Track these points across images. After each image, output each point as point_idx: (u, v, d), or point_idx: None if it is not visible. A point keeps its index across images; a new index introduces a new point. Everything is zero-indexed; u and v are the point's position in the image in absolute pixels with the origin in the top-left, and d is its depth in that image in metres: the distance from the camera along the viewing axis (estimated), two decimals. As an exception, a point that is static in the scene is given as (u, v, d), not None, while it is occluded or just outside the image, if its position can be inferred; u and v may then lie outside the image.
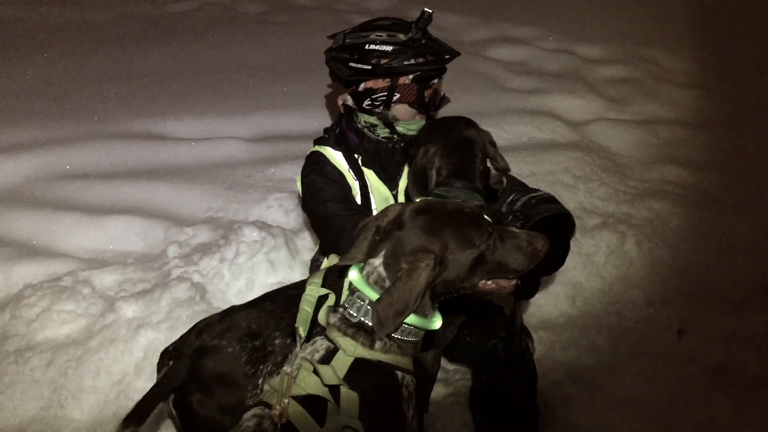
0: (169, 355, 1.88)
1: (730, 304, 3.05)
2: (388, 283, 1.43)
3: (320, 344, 1.49)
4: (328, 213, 2.23)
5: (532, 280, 1.95)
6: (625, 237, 3.29)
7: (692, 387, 2.63)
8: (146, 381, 2.46)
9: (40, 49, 5.40)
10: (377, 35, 2.26)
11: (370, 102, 2.29)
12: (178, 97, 4.59)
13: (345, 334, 1.45)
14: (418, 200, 1.79)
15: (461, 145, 2.08)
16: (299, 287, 1.92)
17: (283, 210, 3.37)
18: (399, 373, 1.47)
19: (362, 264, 1.50)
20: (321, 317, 1.60)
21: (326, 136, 2.43)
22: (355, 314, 1.45)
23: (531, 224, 2.03)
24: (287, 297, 1.95)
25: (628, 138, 4.21)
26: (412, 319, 1.43)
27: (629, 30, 6.08)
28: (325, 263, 2.29)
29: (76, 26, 6.17)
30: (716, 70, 5.29)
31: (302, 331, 1.62)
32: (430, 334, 1.56)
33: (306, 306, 1.75)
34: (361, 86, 2.30)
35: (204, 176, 3.62)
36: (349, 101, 2.38)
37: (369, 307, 1.42)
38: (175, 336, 2.46)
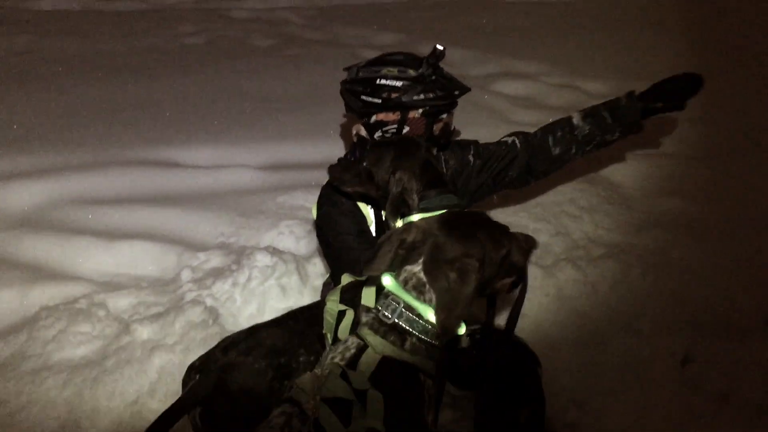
0: (195, 369, 1.93)
1: (734, 333, 3.08)
2: (428, 288, 1.53)
3: (352, 342, 1.58)
4: (342, 246, 2.30)
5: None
6: (629, 267, 3.33)
7: (698, 414, 2.65)
8: (160, 402, 2.50)
9: (55, 79, 5.55)
10: (389, 70, 2.35)
11: (381, 134, 2.39)
12: (191, 126, 4.70)
13: (376, 332, 1.55)
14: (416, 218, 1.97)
15: (416, 160, 2.14)
16: (320, 306, 2.00)
17: (294, 237, 3.44)
18: (422, 376, 1.55)
19: (393, 272, 1.60)
20: (342, 330, 1.68)
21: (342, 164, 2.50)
22: (389, 315, 1.55)
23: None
24: (310, 315, 2.02)
25: (632, 170, 4.27)
26: None
27: (631, 66, 6.17)
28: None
29: (90, 57, 6.34)
30: (716, 103, 5.37)
31: (329, 337, 1.70)
32: (454, 341, 1.65)
33: (329, 317, 1.85)
34: (373, 118, 2.39)
35: (216, 203, 3.70)
36: (363, 132, 2.46)
37: (404, 309, 1.53)
38: (190, 358, 2.52)
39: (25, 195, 3.65)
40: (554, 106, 5.32)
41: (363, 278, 1.71)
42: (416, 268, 1.57)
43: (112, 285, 3.11)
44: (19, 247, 3.29)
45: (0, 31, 6.80)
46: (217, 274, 3.08)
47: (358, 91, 2.38)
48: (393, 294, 1.57)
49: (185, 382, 1.97)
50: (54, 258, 3.25)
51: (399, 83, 2.32)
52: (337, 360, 1.54)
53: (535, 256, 3.36)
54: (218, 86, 5.65)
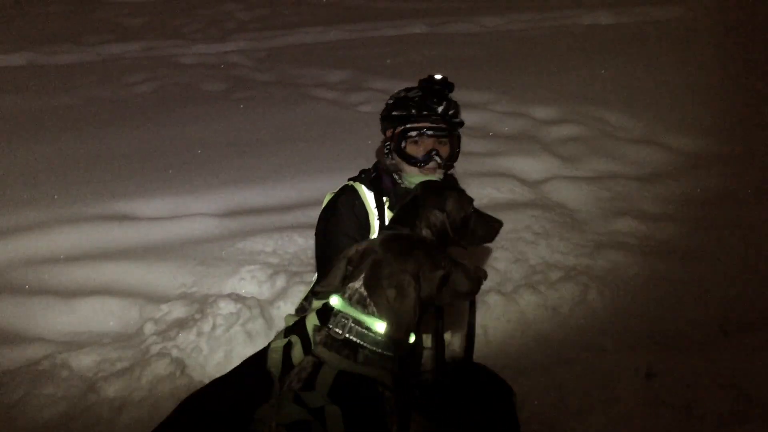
0: None
1: (693, 346, 3.18)
2: (369, 302, 1.65)
3: (307, 362, 1.65)
4: (335, 244, 2.39)
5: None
6: (587, 288, 3.43)
7: (664, 428, 2.72)
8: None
9: (6, 137, 5.47)
10: (396, 92, 2.58)
11: (385, 149, 2.57)
12: (146, 177, 4.68)
13: (330, 349, 1.63)
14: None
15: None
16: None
17: (256, 281, 3.44)
18: (380, 388, 1.61)
19: (340, 291, 1.71)
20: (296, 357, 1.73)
21: (362, 176, 2.61)
22: (340, 332, 1.63)
23: None
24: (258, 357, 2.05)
25: (583, 194, 4.40)
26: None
27: (577, 91, 6.41)
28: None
29: (38, 113, 6.27)
30: (658, 124, 5.59)
31: (275, 373, 1.74)
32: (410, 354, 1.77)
33: (274, 354, 1.93)
34: (385, 134, 2.61)
35: (175, 253, 3.68)
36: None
37: (352, 324, 1.63)
38: (160, 413, 2.51)
39: (-22, 258, 3.58)
40: (505, 134, 5.47)
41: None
42: (357, 284, 1.68)
43: (74, 344, 3.06)
44: (-25, 311, 3.22)
45: (-57, 91, 6.68)
46: (181, 324, 3.06)
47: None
48: (341, 312, 1.67)
49: None
50: (12, 320, 3.18)
51: (391, 101, 2.53)
52: (293, 384, 1.59)
53: (495, 284, 3.43)
54: (171, 134, 5.65)
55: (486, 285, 3.32)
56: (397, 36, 9.42)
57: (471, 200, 2.38)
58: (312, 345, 1.70)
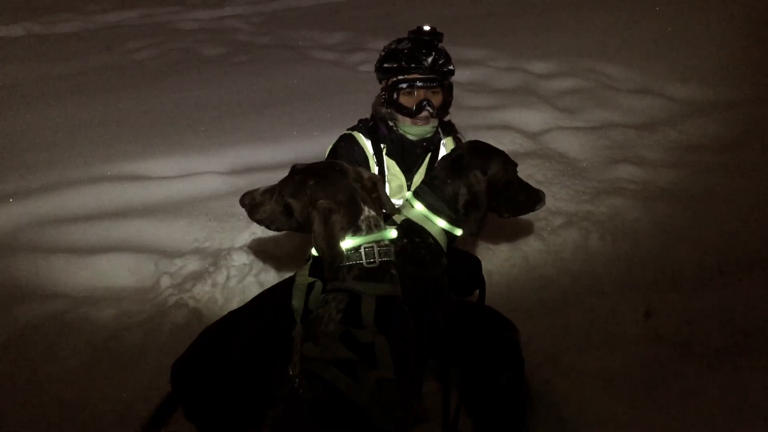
0: (177, 366, 2.05)
1: (691, 286, 3.27)
2: (379, 219, 1.89)
3: (334, 298, 1.74)
4: None
5: (472, 281, 2.45)
6: (588, 233, 3.52)
7: (663, 362, 2.82)
8: (154, 405, 2.59)
9: (8, 105, 5.53)
10: (388, 44, 2.63)
11: (381, 100, 2.63)
12: (153, 139, 4.76)
13: (364, 279, 1.74)
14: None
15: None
16: (287, 282, 2.14)
17: (268, 235, 3.53)
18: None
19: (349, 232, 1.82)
20: (313, 299, 1.86)
21: (360, 125, 2.70)
22: (373, 260, 1.77)
23: None
24: (279, 293, 2.14)
25: (583, 143, 4.47)
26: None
27: (573, 45, 6.43)
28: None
29: (42, 81, 6.32)
30: (656, 74, 5.63)
31: (298, 309, 1.85)
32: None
33: (298, 291, 1.96)
34: (381, 85, 2.67)
35: (187, 210, 3.78)
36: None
37: (378, 247, 1.78)
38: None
39: (-3, 220, 3.68)
40: (504, 89, 5.52)
41: None
42: (367, 212, 1.84)
43: (94, 298, 3.16)
44: (-3, 270, 3.33)
45: (-56, 62, 6.73)
46: (196, 277, 3.17)
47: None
48: (362, 244, 1.78)
49: (172, 378, 2.09)
50: (32, 278, 3.28)
51: (383, 53, 2.59)
52: (330, 325, 1.67)
53: (500, 231, 3.54)
54: (174, 98, 5.70)
55: (490, 231, 3.44)
56: (394, -3, 9.40)
57: (515, 165, 2.43)
58: (337, 282, 1.79)
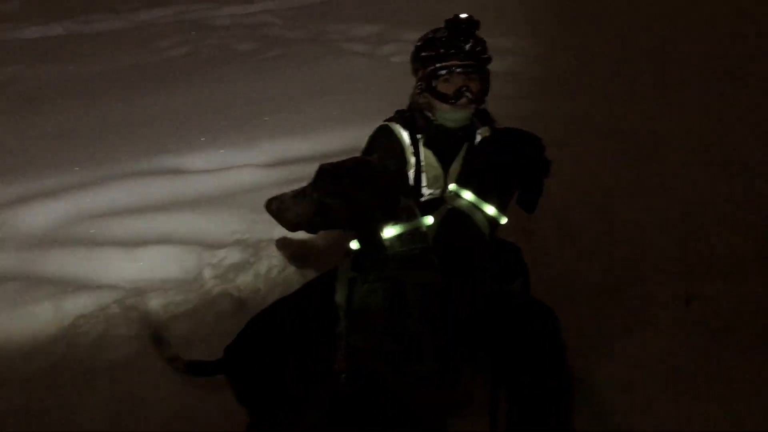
0: (230, 349, 2.12)
1: (732, 272, 3.25)
2: (413, 206, 1.97)
3: (385, 288, 1.80)
4: None
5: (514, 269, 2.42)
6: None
7: (704, 348, 2.81)
8: (202, 389, 2.67)
9: (50, 104, 5.68)
10: (424, 34, 2.62)
11: (417, 89, 2.62)
12: (190, 134, 4.85)
13: (407, 268, 1.80)
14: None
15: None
16: (330, 275, 2.18)
17: (305, 227, 3.59)
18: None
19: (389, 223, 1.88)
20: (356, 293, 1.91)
21: (397, 115, 2.70)
22: (415, 247, 1.84)
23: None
24: (325, 282, 2.19)
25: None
26: None
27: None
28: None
29: (81, 79, 6.47)
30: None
31: (342, 302, 1.88)
32: None
33: (341, 286, 1.99)
34: (417, 75, 2.65)
35: (226, 203, 3.85)
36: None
37: (419, 235, 1.91)
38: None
39: (43, 215, 3.78)
40: (537, 78, 5.51)
41: None
42: (403, 203, 1.93)
43: (140, 289, 3.25)
44: (46, 263, 3.42)
45: (-12, 62, 6.91)
46: (239, 268, 3.24)
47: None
48: (402, 233, 1.86)
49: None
50: (80, 270, 3.39)
51: (420, 43, 2.59)
52: (376, 316, 1.72)
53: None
54: (209, 94, 5.79)
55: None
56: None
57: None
58: (381, 272, 1.83)
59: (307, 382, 1.99)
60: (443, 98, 2.60)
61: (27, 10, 9.13)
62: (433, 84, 2.58)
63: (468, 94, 2.59)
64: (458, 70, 2.56)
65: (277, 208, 1.95)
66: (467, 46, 2.56)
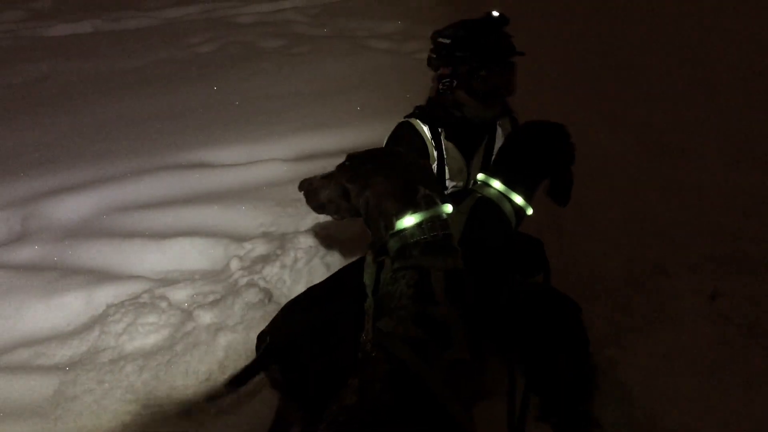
0: (265, 334, 2.15)
1: (757, 267, 3.24)
2: (435, 195, 1.93)
3: (405, 275, 1.80)
4: None
5: (536, 263, 2.46)
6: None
7: (729, 343, 2.81)
8: (228, 374, 2.73)
9: (81, 99, 5.77)
10: (448, 30, 2.64)
11: (441, 86, 2.64)
12: (217, 129, 4.91)
13: (430, 254, 1.81)
14: None
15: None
16: (360, 262, 2.22)
17: (331, 220, 3.62)
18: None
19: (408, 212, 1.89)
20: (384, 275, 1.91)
21: (416, 111, 2.75)
22: (436, 233, 1.84)
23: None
24: (357, 269, 2.23)
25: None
26: None
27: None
28: None
29: (109, 75, 6.55)
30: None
31: (370, 284, 1.91)
32: None
33: (369, 268, 2.03)
34: (439, 71, 2.68)
35: (252, 196, 3.91)
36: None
37: (439, 222, 1.87)
38: (253, 335, 2.74)
39: (75, 207, 3.86)
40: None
41: None
42: (422, 191, 1.90)
43: (169, 280, 3.32)
44: (78, 254, 3.50)
45: (20, 58, 7.02)
46: (265, 259, 3.29)
47: (430, 48, 2.72)
48: (422, 221, 1.84)
49: (258, 347, 2.19)
50: (111, 261, 3.46)
51: (449, 41, 2.60)
52: (403, 300, 1.74)
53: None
54: (235, 89, 5.85)
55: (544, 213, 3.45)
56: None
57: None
58: (403, 260, 1.85)
59: (344, 358, 2.03)
60: (480, 97, 2.63)
61: (57, 8, 9.28)
62: (472, 84, 2.60)
63: (504, 93, 2.63)
64: (496, 69, 2.60)
65: (306, 189, 2.06)
66: (502, 45, 2.59)
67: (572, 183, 2.41)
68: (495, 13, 2.62)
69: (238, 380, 1.98)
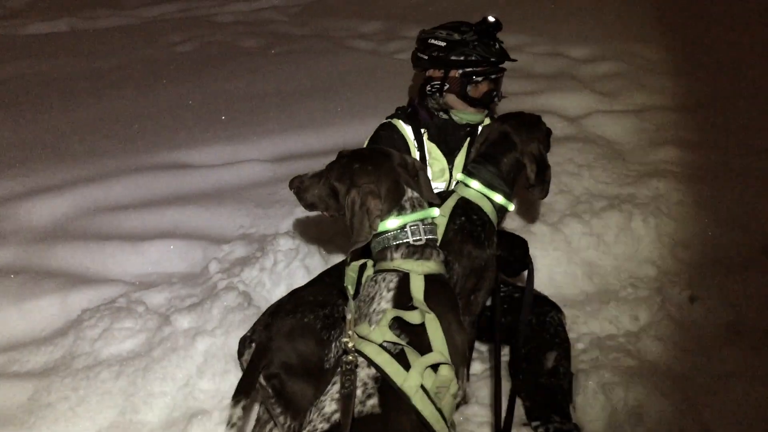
0: (248, 339, 2.12)
1: (735, 267, 3.26)
2: (422, 198, 1.93)
3: (389, 279, 1.77)
4: None
5: (520, 262, 2.43)
6: (631, 216, 3.52)
7: (707, 346, 2.84)
8: (209, 381, 2.69)
9: (57, 99, 5.66)
10: (440, 32, 2.63)
11: (430, 88, 2.64)
12: (196, 129, 4.85)
13: (410, 257, 1.79)
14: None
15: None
16: (342, 265, 2.20)
17: (311, 221, 3.60)
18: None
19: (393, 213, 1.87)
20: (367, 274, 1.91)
21: (399, 112, 2.75)
22: (419, 237, 1.83)
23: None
24: (341, 271, 2.21)
25: (623, 126, 4.44)
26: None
27: (612, 29, 6.35)
28: None
29: (87, 74, 6.44)
30: (693, 58, 5.55)
31: (350, 290, 1.89)
32: None
33: (350, 272, 2.02)
34: (427, 73, 2.68)
35: (232, 197, 3.86)
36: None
37: (423, 225, 1.84)
38: (231, 340, 2.72)
39: (50, 209, 3.78)
40: (543, 74, 5.49)
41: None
42: (410, 193, 1.89)
43: (146, 283, 3.27)
44: (52, 257, 3.43)
45: (-6, 58, 6.91)
46: (244, 262, 3.25)
47: (416, 49, 2.71)
48: (407, 223, 1.83)
49: (240, 352, 2.17)
50: (87, 264, 3.40)
51: (443, 44, 2.59)
52: (384, 299, 1.72)
53: (541, 215, 3.55)
54: (215, 89, 5.78)
55: (531, 216, 3.45)
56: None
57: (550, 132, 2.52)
58: (385, 262, 1.84)
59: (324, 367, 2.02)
60: (473, 102, 2.63)
61: (33, 6, 9.13)
62: (466, 89, 2.60)
63: (497, 98, 2.64)
64: (492, 76, 2.60)
65: (297, 187, 2.07)
66: (497, 50, 2.59)
67: (548, 169, 2.39)
68: (491, 18, 2.61)
69: (244, 391, 1.96)
